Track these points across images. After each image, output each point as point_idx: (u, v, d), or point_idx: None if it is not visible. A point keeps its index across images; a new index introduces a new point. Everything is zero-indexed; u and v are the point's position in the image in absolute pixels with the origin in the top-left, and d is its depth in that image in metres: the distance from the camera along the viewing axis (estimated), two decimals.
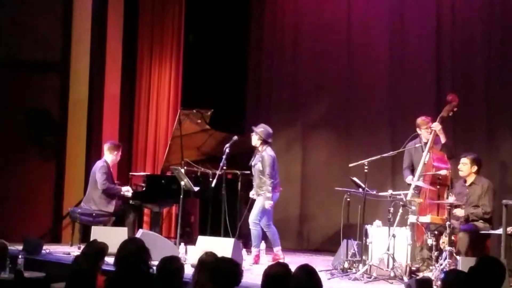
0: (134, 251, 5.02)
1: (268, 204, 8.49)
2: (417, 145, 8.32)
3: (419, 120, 8.35)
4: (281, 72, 11.16)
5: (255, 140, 8.66)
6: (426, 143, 8.22)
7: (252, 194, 8.74)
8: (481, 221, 7.86)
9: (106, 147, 9.47)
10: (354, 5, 10.58)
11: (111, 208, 9.17)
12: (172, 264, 4.93)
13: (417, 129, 8.34)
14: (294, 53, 11.05)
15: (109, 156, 9.35)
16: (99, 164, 9.29)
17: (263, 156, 8.55)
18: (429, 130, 8.22)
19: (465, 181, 8.10)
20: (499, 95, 9.40)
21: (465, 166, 8.04)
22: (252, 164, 8.72)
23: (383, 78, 10.30)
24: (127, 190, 9.36)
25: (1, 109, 10.72)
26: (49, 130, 10.65)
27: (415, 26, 10.07)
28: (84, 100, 10.56)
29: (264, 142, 8.62)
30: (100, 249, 5.54)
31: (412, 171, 8.37)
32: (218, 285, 4.61)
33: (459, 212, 7.89)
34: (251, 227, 8.61)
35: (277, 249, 8.64)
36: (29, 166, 10.51)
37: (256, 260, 8.50)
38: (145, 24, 11.27)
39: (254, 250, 8.59)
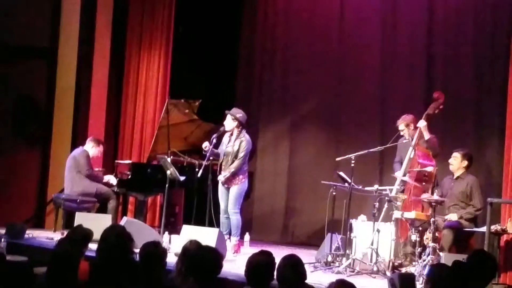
0: (115, 238, 4.98)
1: (222, 179, 8.56)
2: (404, 141, 8.35)
3: (411, 118, 8.35)
4: (272, 64, 11.14)
5: (231, 124, 8.64)
6: (412, 140, 8.25)
7: (220, 178, 8.65)
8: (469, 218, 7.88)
9: (89, 139, 9.55)
10: (347, 4, 10.56)
11: (93, 188, 9.24)
12: (155, 248, 4.91)
13: (405, 127, 8.34)
14: (286, 45, 11.02)
15: (91, 149, 9.42)
16: (79, 150, 9.40)
17: (242, 141, 8.59)
18: (411, 127, 8.27)
19: (453, 175, 8.12)
20: (487, 93, 9.42)
21: (456, 160, 8.06)
22: (225, 147, 8.69)
23: (373, 74, 10.32)
24: (109, 179, 9.42)
25: None
26: (35, 117, 10.58)
27: (406, 22, 10.08)
28: (71, 88, 10.50)
29: (242, 126, 8.64)
30: (85, 235, 5.49)
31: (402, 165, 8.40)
32: (198, 273, 4.59)
33: (452, 216, 7.88)
34: (231, 216, 8.63)
35: (237, 239, 8.66)
36: (15, 151, 10.43)
37: (237, 250, 8.49)
38: (135, 12, 11.19)
39: (233, 239, 8.58)
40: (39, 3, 10.65)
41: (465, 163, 8.05)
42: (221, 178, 8.60)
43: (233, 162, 8.56)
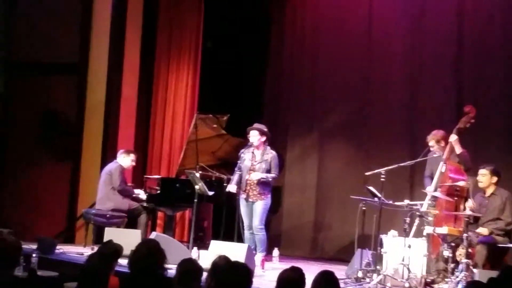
0: (148, 253, 4.97)
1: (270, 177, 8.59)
2: (435, 155, 8.23)
3: (441, 134, 8.22)
4: (300, 79, 11.13)
5: (257, 139, 8.66)
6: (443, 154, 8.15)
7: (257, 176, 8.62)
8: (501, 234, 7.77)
9: (120, 152, 9.59)
10: (375, 15, 10.52)
11: (126, 205, 9.26)
12: (193, 266, 4.89)
13: (436, 143, 8.21)
14: (313, 60, 11.01)
15: (123, 160, 9.44)
16: (113, 165, 9.40)
17: (272, 156, 8.66)
18: (442, 143, 8.15)
19: (484, 193, 8.01)
20: None
21: (485, 177, 7.95)
22: (250, 163, 8.67)
23: (402, 87, 10.24)
24: (139, 193, 9.47)
25: (18, 111, 10.77)
26: (66, 132, 10.66)
27: (436, 33, 10.00)
28: (101, 103, 10.57)
29: (267, 140, 8.67)
30: (115, 250, 5.49)
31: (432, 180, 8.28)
32: None
33: (483, 230, 7.77)
34: (256, 232, 8.62)
35: (263, 255, 8.62)
36: (45, 167, 10.54)
37: (263, 265, 8.44)
38: (164, 28, 11.27)
39: (260, 255, 8.54)
40: (69, 19, 10.75)
41: (495, 179, 7.95)
42: (257, 176, 8.54)
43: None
